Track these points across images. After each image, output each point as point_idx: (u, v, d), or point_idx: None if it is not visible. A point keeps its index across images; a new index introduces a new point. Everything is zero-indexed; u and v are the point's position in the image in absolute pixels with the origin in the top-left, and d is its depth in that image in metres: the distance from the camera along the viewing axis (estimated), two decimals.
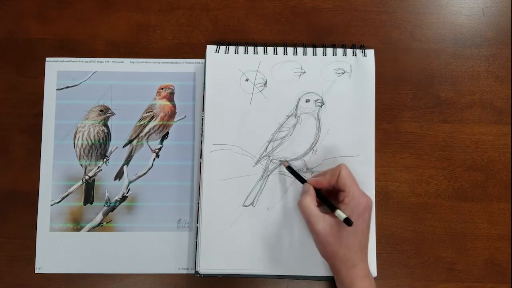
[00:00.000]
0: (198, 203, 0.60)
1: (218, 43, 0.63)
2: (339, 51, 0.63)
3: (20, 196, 0.62)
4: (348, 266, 0.52)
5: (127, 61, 0.64)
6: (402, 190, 0.62)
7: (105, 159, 0.63)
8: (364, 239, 0.53)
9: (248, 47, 0.63)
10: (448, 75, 0.64)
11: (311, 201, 0.54)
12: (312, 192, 0.55)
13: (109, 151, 0.63)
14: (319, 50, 0.63)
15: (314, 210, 0.53)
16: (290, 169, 0.59)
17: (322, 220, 0.52)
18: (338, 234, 0.51)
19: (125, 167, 0.63)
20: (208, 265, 0.59)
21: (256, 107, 0.62)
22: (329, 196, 0.56)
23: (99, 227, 0.61)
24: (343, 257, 0.52)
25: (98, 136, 0.63)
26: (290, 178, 0.61)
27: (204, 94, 0.62)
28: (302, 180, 0.58)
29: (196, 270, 0.59)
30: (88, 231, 0.61)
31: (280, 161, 0.60)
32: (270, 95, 0.62)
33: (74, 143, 0.63)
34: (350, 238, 0.51)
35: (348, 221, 0.50)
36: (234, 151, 0.61)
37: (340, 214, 0.51)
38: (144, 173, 0.62)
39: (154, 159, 0.63)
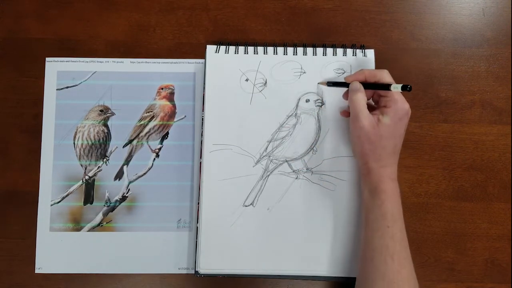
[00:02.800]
0: (198, 203, 0.60)
1: (218, 43, 0.63)
2: (339, 51, 0.63)
3: (20, 196, 0.62)
4: (380, 165, 0.54)
5: (127, 61, 0.64)
6: (402, 190, 0.62)
7: (105, 159, 0.63)
8: (399, 143, 0.55)
9: (248, 47, 0.63)
10: (448, 75, 0.64)
11: (362, 97, 0.55)
12: (362, 90, 0.56)
13: (109, 151, 0.63)
14: (319, 50, 0.63)
15: (364, 107, 0.55)
16: (330, 83, 0.60)
17: (369, 117, 0.54)
18: (379, 134, 0.54)
19: (125, 167, 0.63)
20: (208, 265, 0.59)
21: (256, 107, 0.62)
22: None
23: (99, 227, 0.61)
24: (378, 157, 0.54)
25: (98, 136, 0.63)
26: (290, 178, 0.61)
27: (204, 94, 0.62)
28: (344, 84, 0.58)
29: (196, 270, 0.59)
30: (88, 231, 0.61)
31: (319, 83, 0.61)
32: (270, 95, 0.62)
33: (74, 143, 0.63)
34: (388, 139, 0.54)
35: (406, 87, 0.52)
36: (234, 151, 0.61)
37: (396, 86, 0.53)
38: (144, 173, 0.62)
39: (154, 159, 0.63)
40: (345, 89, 0.59)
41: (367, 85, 0.57)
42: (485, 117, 0.64)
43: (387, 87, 0.54)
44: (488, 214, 0.62)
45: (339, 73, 0.63)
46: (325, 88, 0.62)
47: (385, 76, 0.56)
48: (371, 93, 0.58)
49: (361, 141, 0.55)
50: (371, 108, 0.57)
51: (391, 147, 0.54)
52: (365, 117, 0.54)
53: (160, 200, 0.62)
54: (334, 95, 0.62)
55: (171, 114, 0.63)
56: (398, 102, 0.54)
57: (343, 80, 0.59)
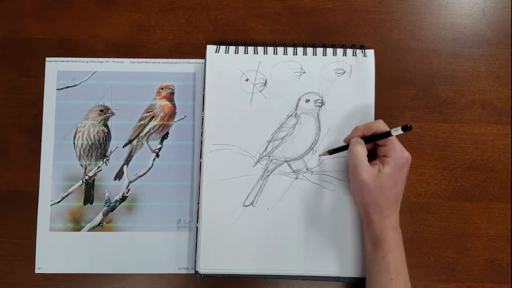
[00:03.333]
0: (198, 203, 0.60)
1: (218, 43, 0.63)
2: (339, 51, 0.63)
3: (20, 196, 0.62)
4: (382, 216, 0.54)
5: (127, 61, 0.64)
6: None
7: (105, 159, 0.63)
8: (400, 192, 0.55)
9: (248, 47, 0.63)
10: (448, 75, 0.64)
11: (362, 149, 0.55)
12: (362, 143, 0.55)
13: (109, 151, 0.63)
14: (319, 50, 0.63)
15: (364, 159, 0.54)
16: (333, 151, 0.60)
17: (369, 170, 0.54)
18: (380, 185, 0.53)
19: (125, 167, 0.63)
20: (208, 265, 0.59)
21: (256, 107, 0.62)
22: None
23: (99, 227, 0.61)
24: (380, 208, 0.54)
25: (98, 136, 0.63)
26: (290, 178, 0.61)
27: (204, 94, 0.62)
28: (345, 147, 0.58)
29: (196, 270, 0.59)
30: (88, 231, 0.61)
31: (320, 156, 0.61)
32: (270, 95, 0.62)
33: (74, 143, 0.63)
34: (390, 189, 0.54)
35: (406, 127, 0.51)
36: (234, 151, 0.61)
37: (396, 129, 0.52)
38: (144, 173, 0.62)
39: (154, 159, 0.63)
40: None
41: (366, 139, 0.56)
42: (485, 117, 0.64)
43: (387, 134, 0.54)
44: (488, 214, 0.62)
45: (339, 73, 0.63)
46: (325, 88, 0.62)
47: (381, 126, 0.55)
48: (370, 146, 0.57)
49: (362, 194, 0.54)
50: (371, 158, 0.56)
51: (392, 197, 0.54)
52: (365, 170, 0.53)
53: (160, 200, 0.62)
54: (334, 95, 0.62)
55: (171, 114, 0.63)
56: (397, 151, 0.54)
57: (343, 144, 0.59)
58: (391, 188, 0.54)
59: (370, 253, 0.55)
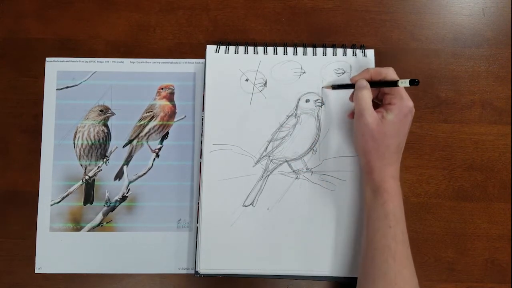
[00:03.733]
0: (198, 203, 0.60)
1: (218, 43, 0.63)
2: (339, 51, 0.63)
3: (20, 196, 0.62)
4: (383, 163, 0.54)
5: (127, 61, 0.64)
6: (402, 190, 0.62)
7: (105, 159, 0.63)
8: (402, 141, 0.55)
9: (248, 47, 0.63)
10: (448, 75, 0.64)
11: (368, 94, 0.55)
12: (368, 87, 0.55)
13: (109, 151, 0.63)
14: (319, 50, 0.63)
15: (369, 104, 0.55)
16: (335, 86, 0.60)
17: (374, 115, 0.54)
18: (383, 132, 0.53)
19: (125, 167, 0.63)
20: (208, 265, 0.59)
21: (256, 107, 0.62)
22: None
23: (99, 227, 0.61)
24: (382, 155, 0.54)
25: (98, 136, 0.63)
26: (290, 178, 0.61)
27: (204, 94, 0.62)
28: (351, 85, 0.58)
29: (196, 270, 0.59)
30: (88, 231, 0.61)
31: (323, 87, 0.61)
32: (270, 95, 0.62)
33: (74, 143, 0.63)
34: (391, 137, 0.54)
35: (414, 81, 0.51)
36: (234, 151, 0.61)
37: (404, 81, 0.53)
38: (144, 173, 0.62)
39: (154, 159, 0.63)
40: (351, 91, 0.59)
41: (373, 83, 0.56)
42: (485, 117, 0.64)
43: (394, 83, 0.54)
44: (488, 214, 0.62)
45: (339, 73, 0.63)
46: (325, 88, 0.62)
47: (391, 73, 0.56)
48: (375, 92, 0.57)
49: (365, 139, 0.54)
50: (375, 106, 0.57)
51: (394, 145, 0.54)
52: (370, 114, 0.54)
53: (160, 200, 0.62)
54: (334, 95, 0.62)
55: (171, 114, 0.63)
56: (403, 98, 0.54)
57: (347, 82, 0.59)
58: (394, 136, 0.54)
59: (369, 201, 0.55)
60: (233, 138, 0.61)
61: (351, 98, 0.59)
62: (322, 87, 0.61)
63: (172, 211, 0.62)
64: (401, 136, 0.55)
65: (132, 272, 0.61)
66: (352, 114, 0.59)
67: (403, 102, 0.54)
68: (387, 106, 0.55)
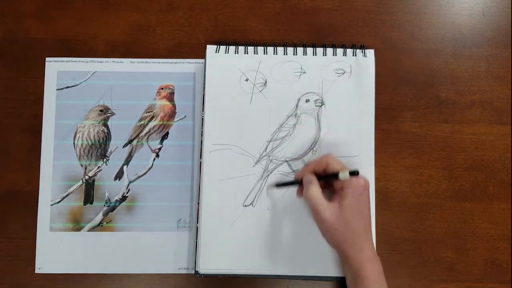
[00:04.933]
0: (198, 203, 0.60)
1: (218, 43, 0.63)
2: (339, 51, 0.63)
3: (20, 196, 0.62)
4: (356, 249, 0.53)
5: (127, 61, 0.64)
6: (402, 190, 0.62)
7: (105, 159, 0.63)
8: (367, 220, 0.54)
9: (248, 47, 0.63)
10: (448, 75, 0.64)
11: (317, 191, 0.54)
12: (315, 182, 0.55)
13: (109, 151, 0.63)
14: (319, 50, 0.63)
15: (321, 199, 0.53)
16: (280, 184, 0.60)
17: (328, 208, 0.53)
18: (344, 219, 0.52)
19: (125, 167, 0.63)
20: (208, 265, 0.59)
21: (256, 107, 0.62)
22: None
23: (99, 227, 0.61)
24: (351, 241, 0.53)
25: (98, 136, 0.63)
26: (290, 178, 0.61)
27: (204, 94, 0.62)
28: (295, 182, 0.58)
29: (196, 270, 0.59)
30: (88, 231, 0.61)
31: (268, 187, 0.60)
32: (270, 95, 0.62)
33: (74, 143, 0.63)
34: (355, 221, 0.53)
35: (354, 173, 0.51)
36: (234, 151, 0.61)
37: (344, 174, 0.52)
38: (144, 173, 0.62)
39: (154, 159, 0.63)
40: (296, 188, 0.59)
41: (318, 176, 0.55)
42: (485, 117, 0.64)
43: (335, 176, 0.53)
44: (488, 214, 0.62)
45: (339, 73, 0.63)
46: (325, 88, 0.62)
47: (331, 162, 0.55)
48: (323, 182, 0.56)
49: (329, 232, 0.53)
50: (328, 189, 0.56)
51: (361, 228, 0.53)
52: (325, 209, 0.53)
53: (160, 200, 0.62)
54: (335, 95, 0.62)
55: (171, 114, 0.63)
56: (352, 181, 0.53)
57: (292, 179, 0.59)
58: (357, 219, 0.53)
59: (351, 287, 0.54)
60: (233, 138, 0.61)
61: (299, 193, 0.58)
62: (267, 187, 0.60)
63: (172, 211, 0.62)
64: (364, 216, 0.54)
65: (132, 272, 0.61)
66: (300, 191, 0.58)
67: (353, 183, 0.53)
68: (339, 193, 0.53)
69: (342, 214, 0.52)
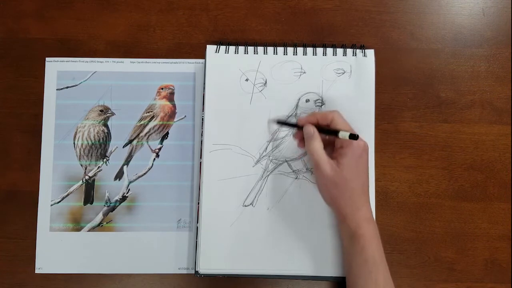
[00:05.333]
0: (198, 203, 0.60)
1: (218, 43, 0.63)
2: (339, 51, 0.63)
3: (20, 196, 0.62)
4: (353, 208, 0.54)
5: (127, 61, 0.64)
6: (402, 190, 0.62)
7: (105, 159, 0.63)
8: (366, 181, 0.55)
9: (248, 47, 0.63)
10: (448, 75, 0.64)
11: (319, 145, 0.55)
12: (317, 136, 0.55)
13: (109, 151, 0.63)
14: (319, 50, 0.63)
15: (323, 154, 0.54)
16: (280, 122, 0.60)
17: (329, 163, 0.54)
18: (343, 177, 0.53)
19: (125, 167, 0.63)
20: (208, 265, 0.59)
21: (256, 107, 0.62)
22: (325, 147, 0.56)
23: (99, 227, 0.61)
24: (349, 200, 0.54)
25: (98, 136, 0.63)
26: (290, 178, 0.61)
27: (204, 94, 0.62)
28: (295, 125, 0.59)
29: (196, 270, 0.59)
30: (88, 231, 0.61)
31: (269, 120, 0.61)
32: (270, 95, 0.62)
33: (74, 143, 0.63)
34: (354, 180, 0.53)
35: (353, 136, 0.52)
36: (234, 151, 0.61)
37: (344, 134, 0.53)
38: (144, 173, 0.62)
39: (154, 159, 0.63)
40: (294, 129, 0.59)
41: (319, 128, 0.56)
42: (485, 117, 0.64)
43: (335, 133, 0.54)
44: (488, 214, 0.62)
45: (339, 73, 0.63)
46: (325, 88, 0.62)
47: (336, 118, 0.55)
48: (325, 137, 0.57)
49: (328, 188, 0.54)
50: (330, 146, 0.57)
51: (359, 188, 0.54)
52: (326, 164, 0.54)
53: (160, 200, 0.62)
54: (335, 95, 0.62)
55: (171, 114, 0.63)
56: (352, 141, 0.54)
57: (294, 122, 0.60)
58: (355, 179, 0.54)
59: (347, 248, 0.54)
60: (233, 138, 0.61)
61: (296, 136, 0.59)
62: (268, 120, 0.61)
63: (172, 211, 0.62)
64: (362, 177, 0.54)
65: (132, 272, 0.61)
66: (298, 136, 0.59)
67: (353, 144, 0.54)
68: (339, 151, 0.55)
69: (341, 171, 0.53)
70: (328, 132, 0.56)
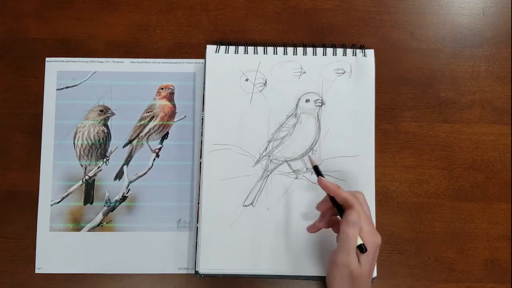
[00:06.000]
0: (198, 203, 0.60)
1: (218, 43, 0.63)
2: (339, 51, 0.63)
3: (20, 196, 0.62)
4: None
5: (127, 61, 0.64)
6: (402, 190, 0.62)
7: (105, 159, 0.63)
8: (370, 280, 0.52)
9: (248, 47, 0.63)
10: (448, 75, 0.64)
11: (357, 234, 0.50)
12: (357, 224, 0.50)
13: (109, 151, 0.63)
14: (319, 50, 0.63)
15: (355, 245, 0.50)
16: (317, 172, 0.55)
17: (354, 255, 0.50)
18: (363, 273, 0.50)
19: (125, 167, 0.63)
20: (208, 265, 0.59)
21: (256, 107, 0.62)
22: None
23: (99, 227, 0.61)
24: None
25: (98, 136, 0.63)
26: (290, 178, 0.61)
27: (204, 94, 0.62)
28: (320, 174, 0.55)
29: (196, 270, 0.59)
30: (88, 231, 0.61)
31: (309, 155, 0.59)
32: (270, 95, 0.62)
33: (74, 143, 0.63)
34: (369, 275, 0.51)
35: (361, 248, 0.49)
36: (234, 151, 0.61)
37: (359, 240, 0.50)
38: (144, 173, 0.62)
39: (154, 159, 0.63)
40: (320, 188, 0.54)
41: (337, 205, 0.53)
42: (485, 117, 0.64)
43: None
44: (488, 214, 0.62)
45: (339, 73, 0.63)
46: (325, 88, 0.62)
47: (361, 199, 0.51)
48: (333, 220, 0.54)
49: (343, 279, 0.50)
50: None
51: (369, 281, 0.51)
52: (354, 257, 0.50)
53: (160, 200, 0.62)
54: (335, 95, 0.62)
55: (171, 114, 0.63)
56: (369, 234, 0.50)
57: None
58: (370, 273, 0.51)
59: None
60: (233, 138, 0.61)
61: (321, 207, 0.54)
62: (308, 155, 0.60)
63: (172, 211, 0.62)
64: (371, 274, 0.51)
65: (132, 272, 0.61)
66: (313, 227, 0.56)
67: (373, 238, 0.50)
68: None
69: (361, 267, 0.50)
70: (340, 210, 0.52)
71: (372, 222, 0.52)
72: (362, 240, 0.50)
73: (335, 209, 0.53)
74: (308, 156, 0.60)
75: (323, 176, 0.54)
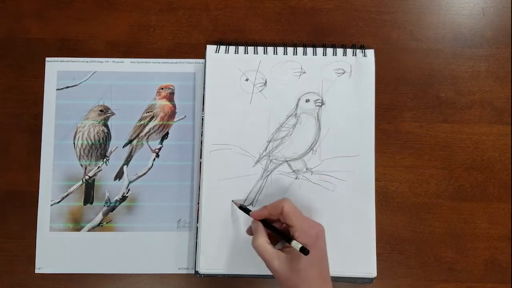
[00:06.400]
0: (198, 203, 0.60)
1: (218, 43, 0.63)
2: (339, 51, 0.63)
3: (20, 196, 0.62)
4: None
5: (127, 61, 0.64)
6: (402, 190, 0.62)
7: (105, 159, 0.63)
8: (324, 268, 0.51)
9: (248, 47, 0.63)
10: (448, 75, 0.64)
11: (263, 240, 0.51)
12: (261, 230, 0.53)
13: (109, 151, 0.63)
14: (319, 50, 0.63)
15: (268, 248, 0.51)
16: (242, 208, 0.58)
17: (277, 257, 0.50)
18: (296, 268, 0.49)
19: (125, 167, 0.63)
20: (208, 265, 0.59)
21: (256, 107, 0.62)
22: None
23: (99, 227, 0.61)
24: None
25: (98, 136, 0.63)
26: (290, 178, 0.61)
27: (204, 94, 0.62)
28: (248, 211, 0.56)
29: (196, 270, 0.59)
30: (88, 231, 0.61)
31: (233, 201, 0.59)
32: (270, 95, 0.62)
33: (74, 143, 0.63)
34: (308, 270, 0.49)
35: (304, 250, 0.48)
36: (234, 151, 0.61)
37: (295, 244, 0.49)
38: (144, 173, 0.62)
39: (154, 159, 0.63)
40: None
41: (271, 227, 0.53)
42: (485, 117, 0.64)
43: (288, 239, 0.50)
44: (488, 214, 0.62)
45: (339, 73, 0.63)
46: (325, 88, 0.62)
47: (286, 207, 0.51)
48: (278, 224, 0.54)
49: (281, 281, 0.50)
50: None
51: (316, 277, 0.49)
52: (273, 259, 0.50)
53: (160, 200, 0.62)
54: (335, 95, 0.62)
55: (171, 114, 0.63)
56: (304, 230, 0.50)
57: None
58: (310, 269, 0.49)
59: None
60: (233, 138, 0.61)
61: (248, 232, 0.57)
62: (232, 200, 0.59)
63: (172, 211, 0.62)
64: (319, 265, 0.50)
65: (132, 272, 0.61)
66: (249, 231, 0.56)
67: (305, 233, 0.50)
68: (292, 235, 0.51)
69: (294, 262, 0.49)
70: (282, 236, 0.51)
71: (304, 217, 0.51)
72: (295, 236, 0.50)
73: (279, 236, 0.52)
74: (232, 201, 0.59)
75: (250, 211, 0.56)
